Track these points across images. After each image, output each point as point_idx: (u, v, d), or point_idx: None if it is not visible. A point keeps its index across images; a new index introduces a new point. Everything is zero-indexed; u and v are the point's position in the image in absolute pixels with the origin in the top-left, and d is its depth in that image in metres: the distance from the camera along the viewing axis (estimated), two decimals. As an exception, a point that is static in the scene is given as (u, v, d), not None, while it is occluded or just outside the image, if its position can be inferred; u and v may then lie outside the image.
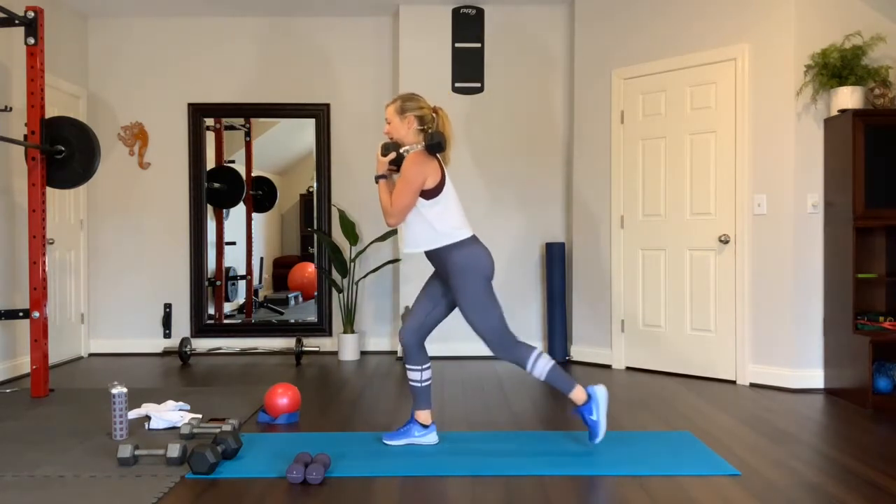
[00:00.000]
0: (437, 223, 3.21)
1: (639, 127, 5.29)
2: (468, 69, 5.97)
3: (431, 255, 3.28)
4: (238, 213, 6.34)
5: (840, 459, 3.19)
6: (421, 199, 3.20)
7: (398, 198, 3.18)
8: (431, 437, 3.38)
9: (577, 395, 3.25)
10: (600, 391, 3.25)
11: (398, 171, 3.29)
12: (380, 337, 6.21)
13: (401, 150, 3.28)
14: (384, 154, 3.28)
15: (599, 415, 3.23)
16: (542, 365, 3.23)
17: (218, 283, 6.29)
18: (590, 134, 5.59)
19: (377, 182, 3.30)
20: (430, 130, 3.28)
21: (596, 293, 5.55)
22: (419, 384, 3.37)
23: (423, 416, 3.38)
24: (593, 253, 5.57)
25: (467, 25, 5.95)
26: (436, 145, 3.22)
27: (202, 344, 6.17)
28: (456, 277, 3.21)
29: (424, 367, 3.37)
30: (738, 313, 4.80)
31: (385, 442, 3.37)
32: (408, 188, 3.16)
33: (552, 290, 5.72)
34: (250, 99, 6.21)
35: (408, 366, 3.38)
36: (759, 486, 2.84)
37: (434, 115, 3.30)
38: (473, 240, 3.26)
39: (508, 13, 5.99)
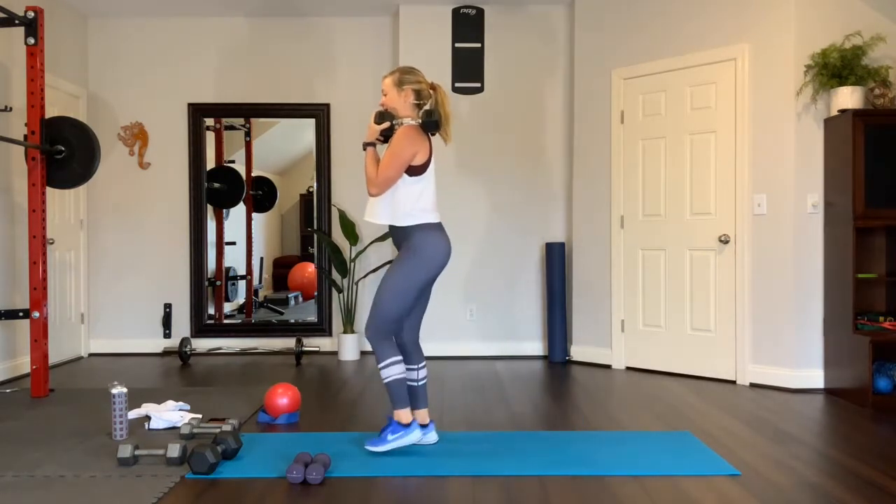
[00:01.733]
0: (412, 201, 3.18)
1: (639, 127, 5.29)
2: (468, 69, 5.97)
3: (395, 231, 3.25)
4: (238, 213, 6.34)
5: (840, 459, 3.19)
6: (404, 175, 3.18)
7: (385, 169, 3.14)
8: (431, 436, 3.36)
9: (402, 416, 3.22)
10: (415, 436, 3.21)
11: (386, 141, 3.26)
12: (380, 337, 6.20)
13: (394, 122, 3.24)
14: (378, 122, 3.23)
15: (394, 443, 3.19)
16: (393, 371, 3.19)
17: (218, 283, 6.29)
18: (590, 134, 5.59)
19: (364, 149, 3.26)
20: (426, 106, 3.25)
21: (596, 293, 5.55)
22: (416, 383, 3.36)
23: (422, 414, 3.37)
24: (593, 253, 5.56)
25: (467, 25, 5.95)
26: (432, 123, 3.19)
27: (202, 344, 6.17)
28: (405, 253, 3.19)
29: (420, 365, 3.37)
30: (738, 313, 4.80)
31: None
32: (396, 160, 3.13)
33: (552, 290, 5.72)
34: (250, 99, 6.21)
35: (408, 366, 3.37)
36: (759, 486, 2.84)
37: (431, 91, 3.27)
38: (439, 227, 3.24)
39: (508, 13, 5.99)
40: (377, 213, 3.24)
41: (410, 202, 3.18)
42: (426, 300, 3.38)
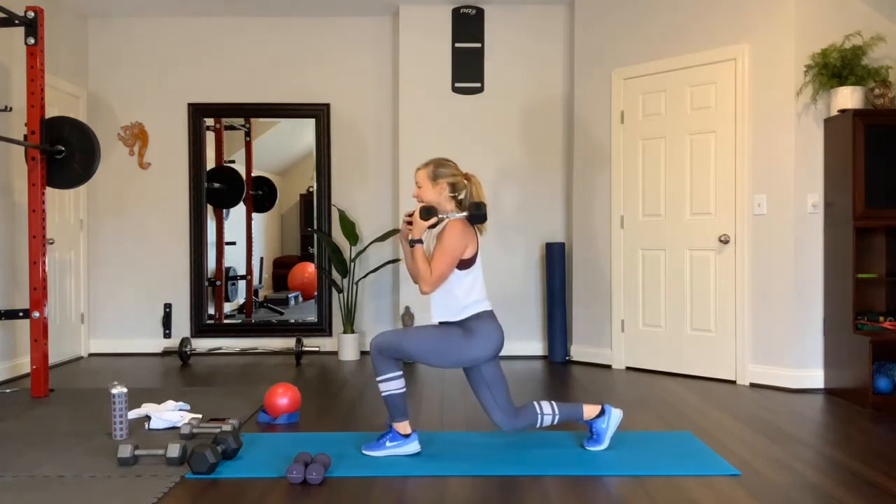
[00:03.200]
0: (464, 295, 3.15)
1: (639, 127, 5.29)
2: (468, 69, 5.97)
3: (449, 325, 3.22)
4: (238, 213, 6.34)
5: (840, 459, 3.19)
6: (455, 269, 3.14)
7: (438, 266, 3.09)
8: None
9: (401, 427, 3.21)
10: (412, 447, 3.21)
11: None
12: (380, 337, 6.20)
13: (441, 217, 3.17)
14: (425, 218, 3.12)
15: (391, 450, 3.19)
16: (392, 385, 3.16)
17: (218, 283, 6.30)
18: (590, 134, 5.59)
19: (412, 246, 3.15)
20: (460, 197, 3.20)
21: (596, 293, 5.55)
22: (555, 417, 3.29)
23: (589, 410, 3.32)
24: (593, 253, 5.56)
25: (467, 25, 5.95)
26: (482, 216, 3.17)
27: (202, 344, 6.17)
28: (458, 329, 3.16)
29: (544, 412, 3.28)
30: (738, 313, 4.80)
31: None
32: (449, 257, 3.08)
33: (552, 290, 5.72)
34: (250, 99, 6.21)
35: (540, 425, 3.29)
36: (759, 486, 2.84)
37: (466, 181, 3.23)
38: (493, 315, 3.21)
39: (508, 13, 5.99)
40: (439, 314, 3.20)
41: (464, 295, 3.15)
42: (500, 380, 3.23)
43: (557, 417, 3.26)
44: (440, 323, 3.23)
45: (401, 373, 3.21)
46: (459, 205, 3.22)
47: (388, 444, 3.22)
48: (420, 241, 3.15)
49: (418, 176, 3.24)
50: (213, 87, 6.21)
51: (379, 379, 3.19)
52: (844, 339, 4.34)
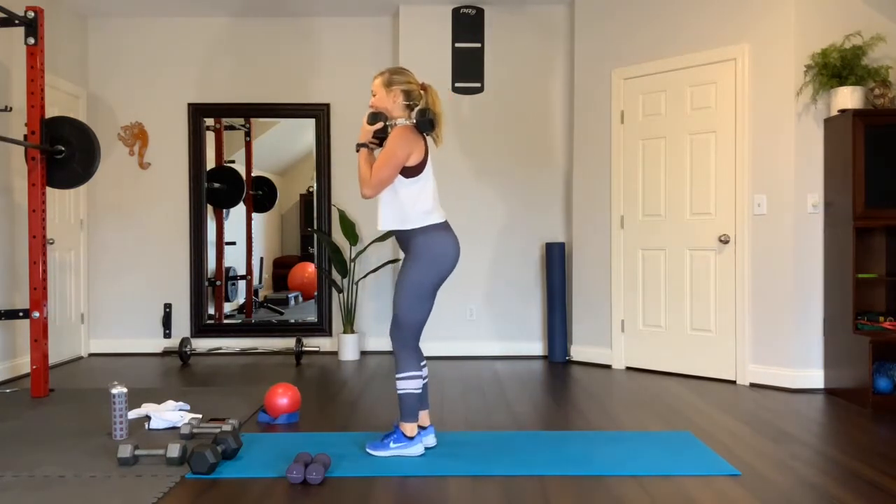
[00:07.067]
0: (410, 204, 3.14)
1: (639, 127, 5.29)
2: (468, 69, 5.97)
3: (399, 236, 3.23)
4: (238, 213, 6.34)
5: (840, 459, 3.19)
6: (399, 176, 3.14)
7: (378, 170, 3.10)
8: (430, 439, 3.32)
9: (408, 429, 3.20)
10: (416, 450, 3.21)
11: (380, 144, 3.23)
12: (380, 337, 6.21)
13: (388, 123, 3.22)
14: (371, 123, 3.20)
15: (395, 451, 3.19)
16: (410, 385, 3.17)
17: (218, 283, 6.29)
18: (590, 134, 5.59)
19: (357, 150, 3.23)
20: (416, 106, 3.21)
21: (596, 293, 5.55)
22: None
23: (423, 416, 3.34)
24: (593, 253, 5.57)
25: (467, 25, 5.95)
26: (427, 122, 3.15)
27: (202, 344, 6.17)
28: (411, 257, 3.16)
29: (420, 365, 3.34)
30: (738, 313, 4.80)
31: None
32: (390, 162, 3.09)
33: (552, 290, 5.72)
34: (250, 99, 6.21)
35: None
36: (759, 486, 2.84)
37: (422, 91, 3.23)
38: (444, 226, 3.20)
39: (508, 13, 5.99)
40: (385, 220, 3.20)
41: (410, 204, 3.15)
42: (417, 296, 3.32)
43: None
44: (388, 232, 3.21)
45: (419, 373, 3.21)
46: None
47: (392, 444, 3.22)
48: (365, 146, 3.22)
49: (374, 84, 3.25)
50: (213, 87, 6.21)
51: (398, 375, 3.21)
52: (844, 339, 4.34)
